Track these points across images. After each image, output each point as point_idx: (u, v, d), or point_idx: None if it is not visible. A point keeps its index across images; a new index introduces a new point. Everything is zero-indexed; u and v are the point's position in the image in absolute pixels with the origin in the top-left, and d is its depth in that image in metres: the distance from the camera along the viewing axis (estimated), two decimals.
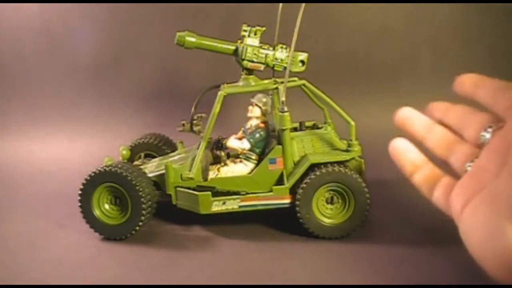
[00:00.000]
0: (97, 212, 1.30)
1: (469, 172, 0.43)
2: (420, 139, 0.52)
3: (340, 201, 1.26)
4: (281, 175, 1.29)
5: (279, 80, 1.35)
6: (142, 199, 1.27)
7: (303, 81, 1.36)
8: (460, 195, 0.42)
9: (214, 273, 1.13)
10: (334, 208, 1.27)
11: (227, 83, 1.38)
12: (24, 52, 2.45)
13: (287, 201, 1.28)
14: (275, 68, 1.34)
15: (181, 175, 1.31)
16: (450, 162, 0.48)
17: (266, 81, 1.37)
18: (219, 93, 1.31)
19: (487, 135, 0.42)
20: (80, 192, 1.30)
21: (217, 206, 1.30)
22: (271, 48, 1.33)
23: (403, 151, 0.51)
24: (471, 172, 0.42)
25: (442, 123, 0.51)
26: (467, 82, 0.47)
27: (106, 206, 1.32)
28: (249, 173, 1.31)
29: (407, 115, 0.53)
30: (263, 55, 1.32)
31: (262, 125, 1.34)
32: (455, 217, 0.42)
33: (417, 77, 2.32)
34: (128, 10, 2.38)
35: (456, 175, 0.46)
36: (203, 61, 2.24)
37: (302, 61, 1.36)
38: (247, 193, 1.29)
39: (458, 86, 0.49)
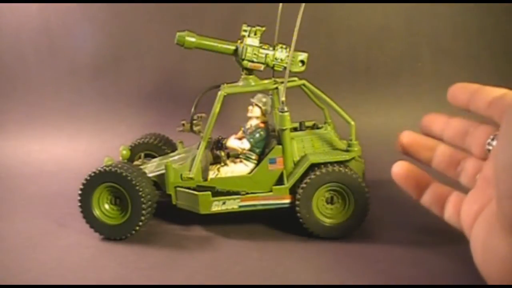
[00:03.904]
0: (97, 212, 1.30)
1: (475, 186, 0.42)
2: (426, 162, 0.51)
3: (340, 201, 1.26)
4: (281, 175, 1.29)
5: (279, 80, 1.35)
6: (142, 199, 1.27)
7: (303, 81, 1.36)
8: (469, 212, 0.41)
9: (214, 273, 1.13)
10: (334, 208, 1.26)
11: (227, 83, 1.38)
12: (24, 52, 2.45)
13: (287, 201, 1.28)
14: (275, 68, 1.34)
15: (181, 175, 1.31)
16: (460, 180, 0.47)
17: (266, 81, 1.37)
18: (219, 93, 1.31)
19: (494, 143, 0.42)
20: (80, 192, 1.30)
21: (217, 206, 1.30)
22: (271, 48, 1.33)
23: (406, 174, 0.50)
24: (477, 186, 0.42)
25: (442, 139, 0.50)
26: (460, 94, 0.47)
27: (106, 206, 1.32)
28: (249, 173, 1.31)
29: (410, 139, 0.52)
30: (263, 55, 1.32)
31: (262, 125, 1.34)
32: (466, 234, 0.42)
33: (417, 77, 2.32)
34: (128, 10, 2.38)
35: (464, 189, 0.46)
36: (203, 61, 2.25)
37: (302, 61, 1.36)
38: (247, 193, 1.29)
39: (451, 98, 0.48)
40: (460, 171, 0.47)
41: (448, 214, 0.46)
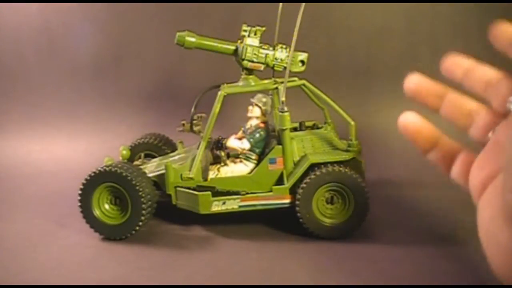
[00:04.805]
0: (97, 212, 1.30)
1: (486, 147, 0.40)
2: (434, 109, 0.47)
3: (340, 201, 1.26)
4: (281, 175, 1.29)
5: (279, 80, 1.35)
6: (142, 199, 1.27)
7: (303, 81, 1.36)
8: (478, 176, 0.39)
9: (214, 273, 1.13)
10: (334, 208, 1.26)
11: (227, 83, 1.38)
12: (24, 52, 2.45)
13: (287, 201, 1.28)
14: (275, 68, 1.34)
15: (181, 175, 1.32)
16: (469, 133, 0.44)
17: (266, 81, 1.37)
18: (219, 93, 1.31)
19: None
20: (80, 192, 1.30)
21: (217, 206, 1.30)
22: (271, 48, 1.33)
23: (414, 126, 0.46)
24: (488, 147, 0.39)
25: (460, 87, 0.47)
26: (456, 67, 0.44)
27: (106, 206, 1.32)
28: (249, 173, 1.31)
29: (418, 83, 0.48)
30: (263, 55, 1.32)
31: (262, 125, 1.34)
32: (474, 199, 0.39)
33: None
34: (128, 10, 2.38)
35: (475, 148, 0.43)
36: (203, 61, 2.24)
37: (302, 61, 1.35)
38: (247, 193, 1.29)
39: (446, 70, 0.45)
40: (470, 122, 0.44)
41: (456, 171, 0.43)
